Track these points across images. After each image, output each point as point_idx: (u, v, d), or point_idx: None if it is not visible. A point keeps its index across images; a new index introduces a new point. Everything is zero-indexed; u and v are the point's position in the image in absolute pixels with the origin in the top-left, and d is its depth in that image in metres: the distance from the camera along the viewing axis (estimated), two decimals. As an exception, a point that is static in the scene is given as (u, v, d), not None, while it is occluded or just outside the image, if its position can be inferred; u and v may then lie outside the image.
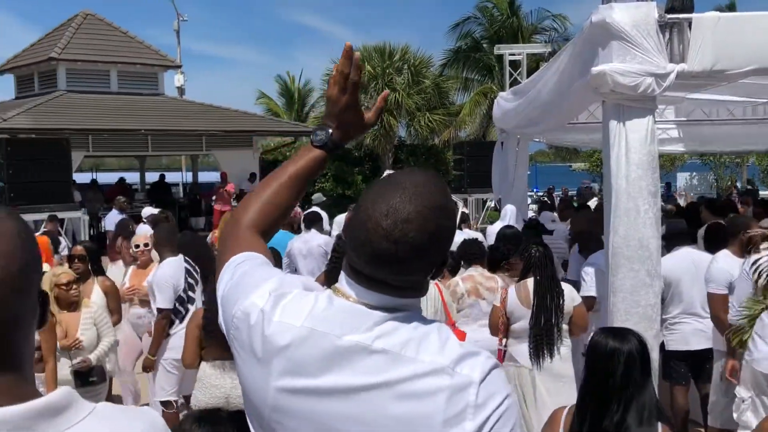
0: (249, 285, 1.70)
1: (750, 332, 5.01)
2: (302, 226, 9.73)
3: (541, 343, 5.40)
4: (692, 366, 6.46)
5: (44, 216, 13.28)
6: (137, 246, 7.60)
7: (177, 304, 6.61)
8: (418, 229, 1.55)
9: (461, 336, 5.27)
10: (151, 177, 26.76)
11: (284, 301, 1.65)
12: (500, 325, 5.67)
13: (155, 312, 6.63)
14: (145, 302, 7.20)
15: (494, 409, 1.51)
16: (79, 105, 20.72)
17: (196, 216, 22.88)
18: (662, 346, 6.13)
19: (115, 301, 6.91)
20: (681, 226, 7.00)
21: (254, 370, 1.63)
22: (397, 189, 1.59)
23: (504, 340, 5.70)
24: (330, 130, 1.95)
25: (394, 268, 1.58)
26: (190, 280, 6.70)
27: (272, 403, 1.60)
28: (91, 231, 18.23)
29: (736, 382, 5.14)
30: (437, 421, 1.49)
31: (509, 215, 10.01)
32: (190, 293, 6.67)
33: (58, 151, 14.90)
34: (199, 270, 6.78)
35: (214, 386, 5.36)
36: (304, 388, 1.57)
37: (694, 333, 6.37)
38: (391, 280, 1.61)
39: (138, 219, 13.13)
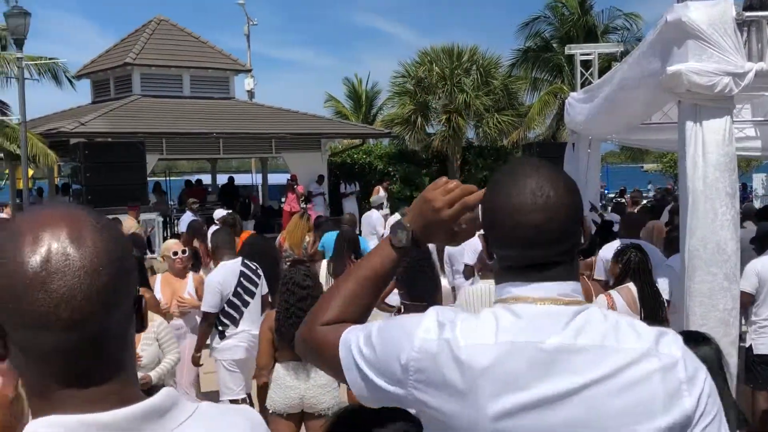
0: (402, 331, 1.63)
1: None
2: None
3: None
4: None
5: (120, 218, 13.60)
6: (175, 253, 7.17)
7: (227, 308, 6.65)
8: (559, 194, 1.61)
9: None
10: (222, 180, 27.17)
11: (459, 326, 1.59)
12: None
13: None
14: (183, 312, 7.12)
15: (703, 381, 1.56)
16: (153, 109, 21.17)
17: (245, 219, 23.03)
18: (749, 349, 6.00)
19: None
20: None
21: (459, 406, 1.54)
22: (525, 176, 1.63)
23: None
24: (411, 232, 1.82)
25: (553, 233, 1.59)
26: (245, 282, 6.72)
27: None
28: (165, 233, 18.59)
29: None
30: (658, 405, 1.51)
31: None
32: (246, 297, 6.70)
33: (134, 154, 15.31)
34: (263, 271, 6.87)
35: (288, 387, 5.41)
36: (522, 405, 1.51)
37: None
38: (554, 253, 1.61)
39: (210, 221, 13.36)
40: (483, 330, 1.57)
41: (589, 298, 6.00)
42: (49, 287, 1.10)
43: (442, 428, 1.58)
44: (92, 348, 1.15)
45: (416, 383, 1.57)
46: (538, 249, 1.60)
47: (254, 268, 6.89)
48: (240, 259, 6.90)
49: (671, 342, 1.58)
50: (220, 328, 6.70)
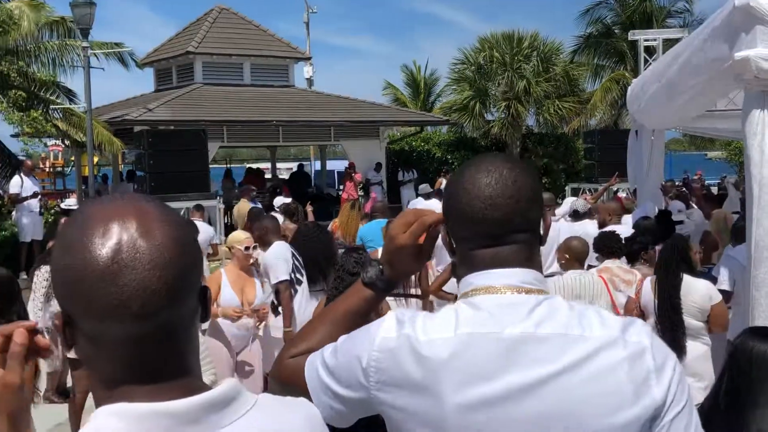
0: (364, 334, 1.63)
1: None
2: None
3: (665, 341, 5.22)
4: None
5: (183, 205, 13.85)
6: (246, 248, 6.73)
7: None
8: (515, 173, 1.63)
9: None
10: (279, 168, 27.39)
11: (418, 322, 1.58)
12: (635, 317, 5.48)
13: (272, 290, 6.70)
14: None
15: (672, 369, 1.53)
16: (214, 97, 21.44)
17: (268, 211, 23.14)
18: None
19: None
20: None
21: (423, 401, 1.53)
22: (481, 160, 1.67)
23: None
24: (381, 268, 1.81)
25: (507, 206, 1.60)
26: (297, 264, 6.74)
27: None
28: (226, 220, 18.86)
29: None
30: (627, 394, 1.48)
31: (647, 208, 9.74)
32: (298, 275, 6.71)
33: (196, 141, 15.51)
34: (316, 259, 6.81)
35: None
36: (488, 397, 1.49)
37: None
38: (509, 229, 1.60)
39: (270, 208, 13.50)
40: (442, 324, 1.56)
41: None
42: (120, 280, 1.13)
43: (412, 429, 1.55)
44: (161, 339, 1.18)
45: (378, 384, 1.56)
46: (492, 224, 1.60)
47: (296, 255, 6.85)
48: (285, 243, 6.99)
49: (639, 330, 1.55)
50: (275, 303, 6.68)
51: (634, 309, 5.54)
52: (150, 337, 1.16)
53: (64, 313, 1.19)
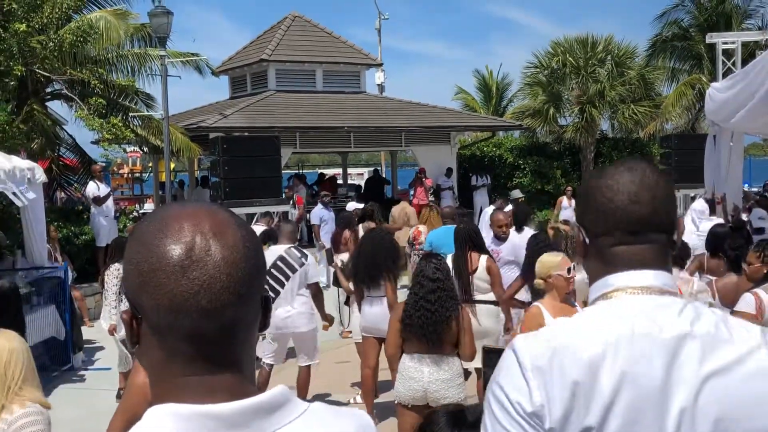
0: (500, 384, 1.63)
1: None
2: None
3: None
4: None
5: (256, 210, 14.05)
6: (568, 271, 5.57)
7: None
8: (656, 176, 1.67)
9: None
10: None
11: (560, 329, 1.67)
12: None
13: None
14: None
15: None
16: (287, 104, 21.69)
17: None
18: None
19: None
20: None
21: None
22: (620, 164, 1.71)
23: None
24: None
25: (646, 204, 1.63)
26: (280, 264, 7.56)
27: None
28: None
29: None
30: None
31: (695, 214, 9.57)
32: (281, 277, 7.56)
33: (269, 147, 15.67)
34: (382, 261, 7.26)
35: (412, 379, 5.47)
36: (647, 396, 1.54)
37: None
38: (649, 228, 1.63)
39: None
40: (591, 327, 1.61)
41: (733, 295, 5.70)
42: (191, 275, 1.18)
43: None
44: (223, 337, 1.21)
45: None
46: (635, 219, 1.63)
47: (298, 256, 7.67)
48: (287, 245, 7.74)
49: None
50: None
51: None
52: (213, 333, 1.20)
53: (132, 307, 1.23)
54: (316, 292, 7.82)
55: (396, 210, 15.78)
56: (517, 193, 17.11)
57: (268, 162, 15.35)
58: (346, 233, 10.09)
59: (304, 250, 8.03)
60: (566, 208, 17.89)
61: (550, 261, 5.40)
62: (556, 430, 1.54)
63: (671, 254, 1.70)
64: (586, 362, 1.53)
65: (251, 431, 1.19)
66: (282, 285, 7.58)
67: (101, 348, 11.02)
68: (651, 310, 1.58)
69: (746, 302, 5.18)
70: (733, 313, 5.26)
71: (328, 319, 8.12)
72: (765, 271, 5.30)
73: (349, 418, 1.35)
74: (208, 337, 1.20)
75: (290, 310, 7.60)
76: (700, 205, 10.59)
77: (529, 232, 9.07)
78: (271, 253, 7.66)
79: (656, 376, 1.52)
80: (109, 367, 9.43)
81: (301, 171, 31.36)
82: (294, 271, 7.62)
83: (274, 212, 14.83)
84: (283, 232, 8.15)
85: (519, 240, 8.63)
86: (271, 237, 9.85)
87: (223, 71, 24.56)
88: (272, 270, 7.55)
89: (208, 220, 1.23)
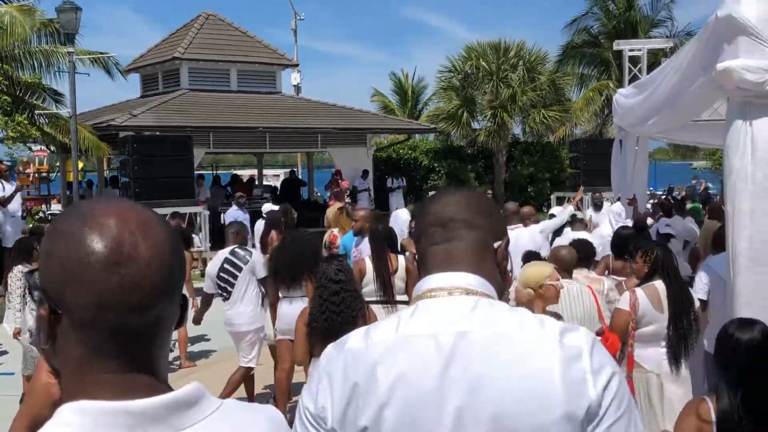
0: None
1: None
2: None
3: (680, 348, 5.23)
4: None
5: (167, 210, 13.79)
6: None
7: (218, 288, 7.78)
8: (478, 196, 1.89)
9: (617, 343, 5.12)
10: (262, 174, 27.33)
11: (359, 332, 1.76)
12: (630, 330, 5.39)
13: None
14: None
15: (610, 375, 1.54)
16: (200, 103, 21.38)
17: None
18: None
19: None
20: None
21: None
22: (447, 190, 1.98)
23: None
24: None
25: (460, 212, 1.76)
26: (227, 266, 7.74)
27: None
28: (212, 226, 18.79)
29: None
30: (558, 394, 1.50)
31: (612, 216, 9.85)
32: (229, 278, 7.71)
33: (182, 147, 15.45)
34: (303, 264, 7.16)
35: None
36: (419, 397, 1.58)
37: None
38: (459, 234, 1.74)
39: (257, 215, 13.47)
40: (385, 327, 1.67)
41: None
42: (122, 271, 1.17)
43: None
44: (147, 334, 1.22)
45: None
46: (447, 226, 1.76)
47: (242, 255, 7.77)
48: (232, 247, 7.86)
49: (579, 335, 1.58)
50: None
51: (629, 321, 5.40)
52: (138, 330, 1.20)
53: (52, 304, 1.20)
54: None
55: (330, 212, 15.71)
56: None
57: (180, 162, 15.12)
58: (273, 234, 9.97)
59: (249, 248, 8.10)
60: None
61: (541, 271, 5.15)
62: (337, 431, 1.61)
63: (491, 262, 1.76)
64: (366, 364, 1.59)
65: (166, 427, 1.19)
66: (231, 285, 7.72)
67: (4, 352, 10.65)
68: (438, 312, 1.64)
69: (624, 299, 5.49)
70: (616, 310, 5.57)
71: None
72: (646, 270, 5.53)
73: (262, 413, 1.37)
74: (133, 334, 1.19)
75: (234, 309, 7.75)
76: (618, 207, 10.88)
77: None
78: (218, 257, 7.92)
79: (432, 377, 1.55)
80: (12, 372, 9.12)
81: (215, 172, 30.95)
82: (240, 269, 7.72)
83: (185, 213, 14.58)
84: (227, 234, 8.33)
85: None
86: (185, 240, 9.73)
87: (134, 69, 24.06)
88: (220, 273, 7.73)
89: (134, 216, 1.22)
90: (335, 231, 10.01)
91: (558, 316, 5.03)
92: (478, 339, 1.56)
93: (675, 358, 5.23)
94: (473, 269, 1.71)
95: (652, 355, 5.28)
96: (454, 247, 1.73)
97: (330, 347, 1.71)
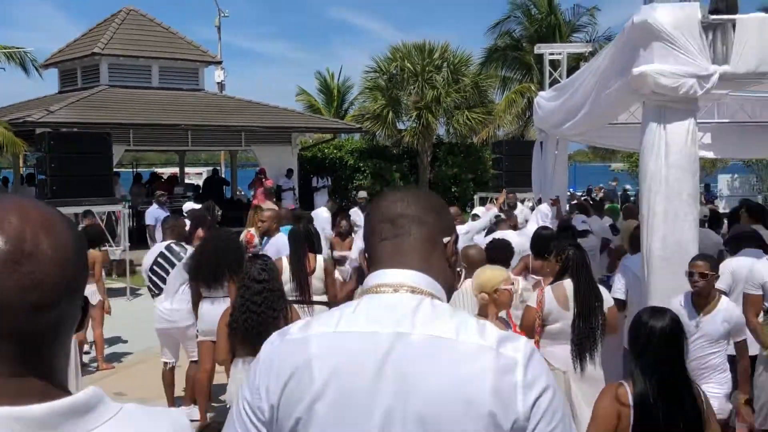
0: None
1: None
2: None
3: (585, 346, 5.33)
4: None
5: (84, 209, 13.44)
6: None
7: (149, 282, 7.70)
8: (418, 193, 1.87)
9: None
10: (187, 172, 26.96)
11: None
12: (537, 327, 5.59)
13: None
14: None
15: (543, 389, 1.54)
16: (120, 99, 20.93)
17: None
18: None
19: None
20: (747, 228, 6.95)
21: None
22: (395, 189, 1.96)
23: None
24: None
25: (413, 216, 1.77)
26: (161, 260, 7.61)
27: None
28: (132, 224, 18.43)
29: None
30: (486, 404, 1.50)
31: (540, 216, 9.99)
32: (162, 273, 7.59)
33: (100, 145, 15.07)
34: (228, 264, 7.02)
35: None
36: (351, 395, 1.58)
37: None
38: (410, 230, 1.75)
39: (178, 214, 13.22)
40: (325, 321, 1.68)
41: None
42: (23, 269, 1.12)
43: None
44: (46, 336, 1.16)
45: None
46: (396, 222, 1.77)
47: (177, 251, 7.61)
48: (168, 243, 7.73)
49: (517, 346, 1.58)
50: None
51: (536, 318, 5.55)
52: (37, 332, 1.15)
53: None
54: None
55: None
56: (362, 194, 17.32)
57: (98, 159, 14.75)
58: (200, 232, 9.80)
59: (184, 245, 7.88)
60: None
61: (497, 275, 5.10)
62: (272, 422, 1.63)
63: (441, 261, 1.78)
64: (305, 357, 1.61)
65: None
66: (163, 281, 7.58)
67: None
68: (381, 309, 1.64)
69: (532, 297, 5.69)
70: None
71: None
72: (557, 269, 5.66)
73: (164, 418, 1.31)
74: (32, 335, 1.14)
75: (169, 306, 7.56)
76: (545, 207, 11.06)
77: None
78: (152, 251, 7.81)
79: (366, 375, 1.56)
80: None
81: (135, 170, 30.33)
82: (173, 265, 7.58)
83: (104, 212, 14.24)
84: (164, 229, 8.21)
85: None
86: (93, 238, 9.51)
87: (53, 64, 23.43)
88: (154, 267, 7.62)
89: (35, 213, 1.17)
90: (252, 230, 9.93)
91: (506, 323, 5.11)
92: (415, 342, 1.57)
93: (579, 356, 5.33)
94: (422, 265, 1.72)
95: (560, 354, 5.38)
96: (403, 243, 1.75)
97: (275, 335, 1.73)
